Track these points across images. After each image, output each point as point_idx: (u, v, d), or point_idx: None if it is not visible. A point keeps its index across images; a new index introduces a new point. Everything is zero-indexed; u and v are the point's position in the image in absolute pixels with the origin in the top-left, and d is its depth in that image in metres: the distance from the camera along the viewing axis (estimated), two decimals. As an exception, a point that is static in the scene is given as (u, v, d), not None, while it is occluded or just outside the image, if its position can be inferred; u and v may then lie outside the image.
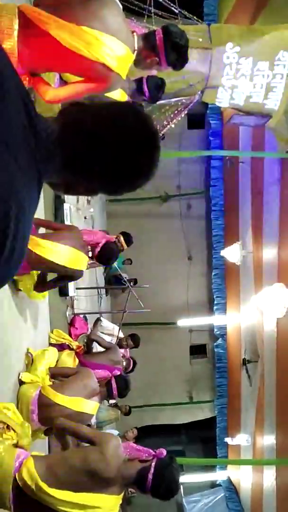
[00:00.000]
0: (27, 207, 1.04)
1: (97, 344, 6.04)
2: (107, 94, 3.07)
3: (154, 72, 3.61)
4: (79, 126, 1.16)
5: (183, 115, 7.38)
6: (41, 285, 3.93)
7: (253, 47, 6.45)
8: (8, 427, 2.77)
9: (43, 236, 3.63)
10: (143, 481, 2.54)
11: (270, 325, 8.79)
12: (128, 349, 5.90)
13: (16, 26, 2.35)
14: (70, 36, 2.36)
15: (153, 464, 2.57)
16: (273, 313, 7.74)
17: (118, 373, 4.63)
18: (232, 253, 10.53)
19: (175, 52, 2.92)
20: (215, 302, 13.06)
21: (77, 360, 4.93)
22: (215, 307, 13.08)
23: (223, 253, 11.16)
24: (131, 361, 5.88)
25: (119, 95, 3.18)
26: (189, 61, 5.93)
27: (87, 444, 2.70)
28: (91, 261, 5.38)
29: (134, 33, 2.80)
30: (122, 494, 2.65)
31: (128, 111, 1.21)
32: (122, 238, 6.40)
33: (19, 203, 1.00)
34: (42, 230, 4.15)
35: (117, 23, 2.53)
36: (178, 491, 2.68)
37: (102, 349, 5.78)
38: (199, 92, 6.74)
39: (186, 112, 7.31)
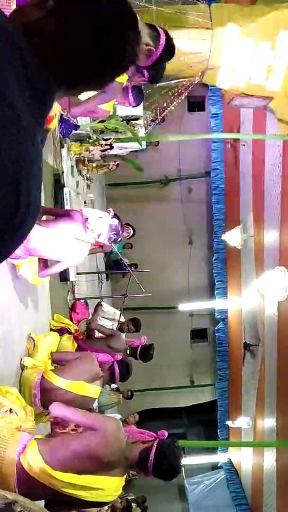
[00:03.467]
0: (35, 160, 1.01)
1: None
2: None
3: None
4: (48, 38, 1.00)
5: (183, 97, 7.30)
6: (43, 270, 3.90)
7: (254, 27, 6.35)
8: (11, 411, 2.78)
9: (42, 225, 3.57)
10: (146, 461, 2.57)
11: (271, 309, 8.80)
12: (144, 337, 5.84)
13: None
14: None
15: (155, 444, 2.60)
16: (274, 296, 7.74)
17: (120, 357, 4.64)
18: (233, 237, 10.51)
19: (164, 62, 3.01)
20: (216, 286, 13.07)
21: (75, 344, 4.93)
22: (216, 291, 13.09)
23: (224, 237, 11.14)
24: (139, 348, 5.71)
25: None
26: (190, 42, 5.88)
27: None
28: (93, 247, 5.34)
29: (136, 15, 2.76)
30: (125, 475, 2.67)
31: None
32: (131, 231, 6.39)
33: (28, 158, 0.97)
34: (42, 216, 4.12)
35: None
36: (180, 470, 2.71)
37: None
38: (200, 74, 6.65)
39: (186, 94, 7.22)
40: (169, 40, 2.95)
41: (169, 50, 2.97)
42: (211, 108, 12.00)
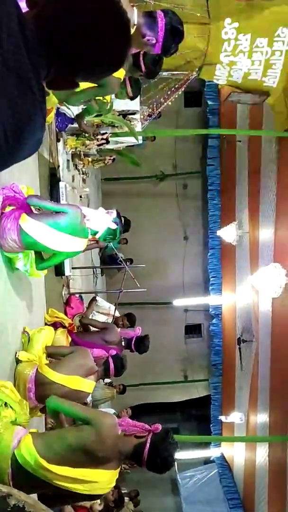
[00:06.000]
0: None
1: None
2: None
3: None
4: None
5: (180, 93, 7.28)
6: (40, 261, 3.88)
7: (252, 23, 6.33)
8: (6, 404, 2.79)
9: (40, 218, 3.54)
10: (139, 456, 2.58)
11: (265, 305, 8.83)
12: (139, 328, 5.84)
13: None
14: None
15: (148, 439, 2.61)
16: (269, 293, 7.77)
17: (115, 352, 4.63)
18: (228, 233, 10.53)
19: (172, 46, 2.90)
20: (211, 282, 13.10)
21: (69, 338, 4.93)
22: (210, 287, 13.12)
23: (219, 233, 11.16)
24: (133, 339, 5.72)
25: (116, 71, 3.13)
26: (187, 37, 5.85)
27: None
28: (88, 242, 5.33)
29: (134, 7, 2.74)
30: (119, 468, 2.68)
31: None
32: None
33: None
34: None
35: None
36: (173, 464, 2.73)
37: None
38: (197, 69, 6.64)
39: (183, 89, 7.21)
40: (170, 22, 2.85)
41: (173, 31, 2.88)
42: (208, 104, 11.99)
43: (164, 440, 2.64)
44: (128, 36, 1.16)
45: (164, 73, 6.73)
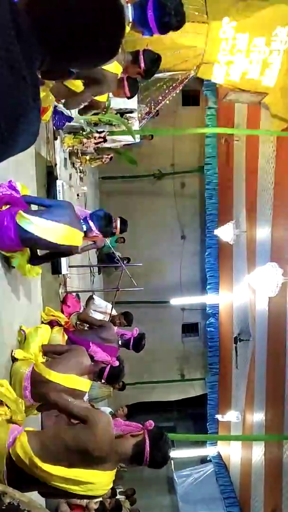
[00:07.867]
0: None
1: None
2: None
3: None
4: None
5: (177, 91, 7.28)
6: (35, 258, 3.88)
7: (250, 23, 6.34)
8: (1, 403, 2.78)
9: (36, 214, 3.56)
10: (141, 453, 2.57)
11: (262, 304, 8.84)
12: (136, 329, 5.85)
13: None
14: None
15: (146, 436, 2.61)
16: (266, 292, 7.77)
17: (117, 363, 4.49)
18: (225, 232, 10.52)
19: (166, 29, 2.88)
20: (208, 281, 13.11)
21: (66, 337, 4.92)
22: (208, 286, 13.13)
23: (217, 232, 11.15)
24: (132, 339, 5.74)
25: (113, 66, 3.12)
26: (185, 35, 5.85)
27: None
28: (85, 243, 5.32)
29: (128, 4, 2.73)
30: (116, 470, 2.67)
31: None
32: (118, 222, 6.45)
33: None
34: (34, 207, 4.10)
35: None
36: (170, 457, 2.76)
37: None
38: (195, 68, 6.64)
39: (181, 88, 7.21)
40: (159, 18, 2.83)
41: (161, 4, 2.82)
42: (205, 103, 11.98)
43: (161, 434, 2.66)
44: (122, 22, 1.14)
45: (161, 74, 6.73)
